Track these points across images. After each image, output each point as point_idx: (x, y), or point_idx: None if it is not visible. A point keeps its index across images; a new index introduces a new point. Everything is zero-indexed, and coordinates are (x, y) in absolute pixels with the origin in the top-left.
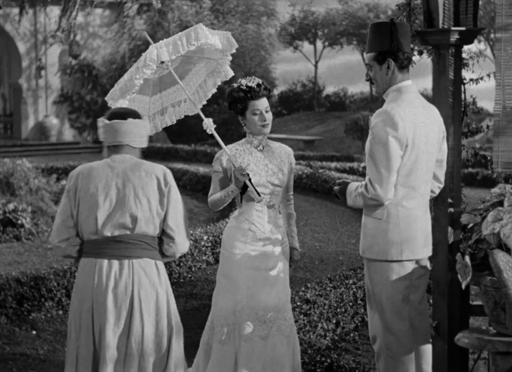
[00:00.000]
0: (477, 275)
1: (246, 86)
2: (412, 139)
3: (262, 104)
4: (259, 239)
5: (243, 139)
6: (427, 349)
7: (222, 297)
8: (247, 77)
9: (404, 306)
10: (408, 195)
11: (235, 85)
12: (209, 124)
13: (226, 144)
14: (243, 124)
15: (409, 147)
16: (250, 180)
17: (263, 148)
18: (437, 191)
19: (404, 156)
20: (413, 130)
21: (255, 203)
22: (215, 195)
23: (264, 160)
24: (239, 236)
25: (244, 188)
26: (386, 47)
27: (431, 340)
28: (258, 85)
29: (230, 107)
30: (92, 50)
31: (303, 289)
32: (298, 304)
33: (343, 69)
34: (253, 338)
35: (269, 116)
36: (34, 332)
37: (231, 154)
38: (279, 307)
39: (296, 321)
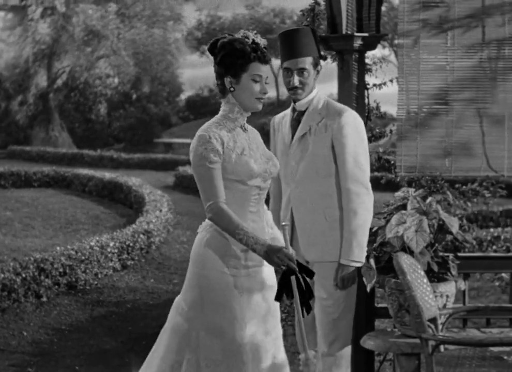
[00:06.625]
0: (381, 278)
1: (254, 42)
2: None
3: (266, 71)
4: None
5: (219, 117)
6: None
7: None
8: (251, 31)
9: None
10: None
11: (238, 35)
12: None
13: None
14: (230, 89)
15: None
16: (297, 279)
17: (247, 128)
18: None
19: None
20: None
21: (249, 203)
22: (230, 213)
23: (256, 141)
24: (231, 250)
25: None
26: (318, 51)
27: None
28: (265, 48)
29: (222, 61)
30: None
31: None
32: None
33: None
34: None
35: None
36: None
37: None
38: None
39: None
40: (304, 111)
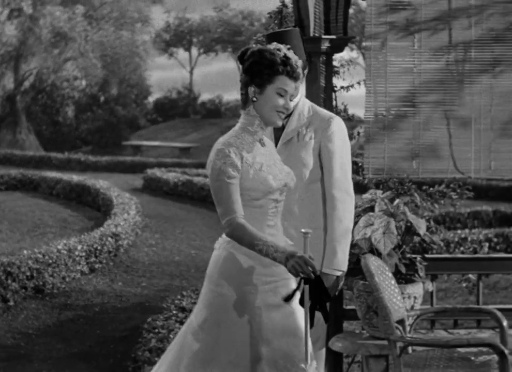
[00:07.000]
0: (349, 280)
1: (285, 56)
2: None
3: (292, 87)
4: (278, 265)
5: (237, 129)
6: None
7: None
8: (285, 46)
9: None
10: None
11: (271, 46)
12: None
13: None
14: (253, 99)
15: None
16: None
17: (265, 143)
18: None
19: None
20: None
21: (267, 217)
22: (248, 226)
23: (273, 157)
24: (250, 267)
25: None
26: (306, 54)
27: None
28: (297, 64)
29: (249, 69)
30: None
31: (179, 297)
32: (174, 312)
33: (218, 76)
34: None
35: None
36: None
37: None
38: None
39: (172, 330)
40: (288, 115)
